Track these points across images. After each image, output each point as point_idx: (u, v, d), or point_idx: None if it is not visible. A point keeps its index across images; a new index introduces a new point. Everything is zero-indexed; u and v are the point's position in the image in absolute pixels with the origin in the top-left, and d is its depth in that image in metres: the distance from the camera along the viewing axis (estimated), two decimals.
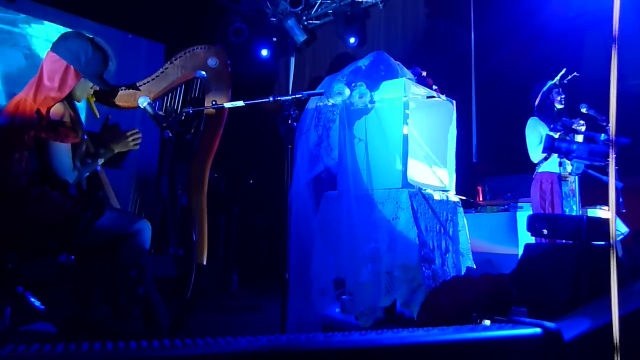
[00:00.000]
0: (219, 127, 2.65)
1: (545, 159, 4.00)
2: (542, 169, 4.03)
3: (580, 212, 3.52)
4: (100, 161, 2.37)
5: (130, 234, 2.22)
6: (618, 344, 0.79)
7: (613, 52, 0.97)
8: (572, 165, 3.23)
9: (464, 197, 4.05)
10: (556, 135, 3.59)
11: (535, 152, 4.06)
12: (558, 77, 4.06)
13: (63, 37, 2.27)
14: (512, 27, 5.19)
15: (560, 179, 3.85)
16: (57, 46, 2.23)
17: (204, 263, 2.57)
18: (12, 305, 2.16)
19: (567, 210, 3.80)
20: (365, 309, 3.20)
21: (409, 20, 6.49)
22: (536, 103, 4.16)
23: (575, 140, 3.71)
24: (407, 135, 3.46)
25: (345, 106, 3.60)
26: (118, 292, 2.15)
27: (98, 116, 2.45)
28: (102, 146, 2.38)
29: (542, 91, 4.12)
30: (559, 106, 4.10)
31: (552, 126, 3.78)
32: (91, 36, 2.31)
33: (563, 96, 4.09)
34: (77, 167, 2.24)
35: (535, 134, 4.04)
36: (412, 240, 3.19)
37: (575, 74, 4.01)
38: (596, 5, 4.60)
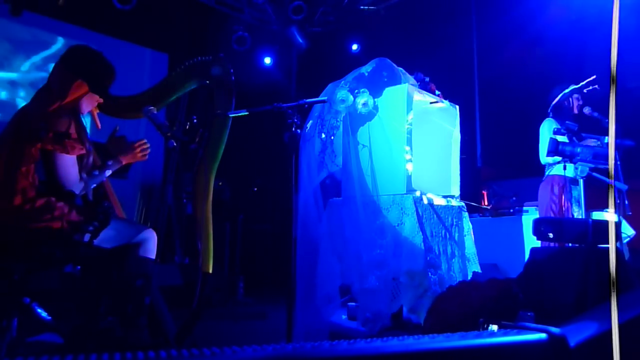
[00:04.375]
0: (223, 136, 2.66)
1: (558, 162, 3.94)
2: (554, 171, 3.97)
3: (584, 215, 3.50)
4: (108, 172, 2.38)
5: (136, 243, 2.23)
6: (618, 349, 0.79)
7: (613, 52, 0.97)
8: (576, 168, 3.22)
9: (469, 202, 4.04)
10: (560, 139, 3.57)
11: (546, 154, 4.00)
12: (582, 84, 4.00)
13: (70, 50, 2.30)
14: (513, 30, 5.20)
15: (572, 182, 3.81)
16: (65, 59, 2.25)
17: (210, 271, 2.57)
18: (19, 316, 2.17)
19: (575, 214, 3.77)
20: (371, 316, 3.19)
21: (410, 26, 6.50)
22: (553, 103, 4.11)
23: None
24: (411, 141, 3.47)
25: (349, 113, 3.60)
26: (124, 301, 2.16)
27: (100, 127, 2.46)
28: (110, 158, 2.39)
29: (562, 93, 4.06)
30: (575, 112, 4.05)
31: (555, 129, 3.76)
32: (98, 50, 2.34)
33: (581, 103, 4.05)
34: (83, 178, 2.25)
35: (550, 134, 3.99)
36: (417, 245, 3.18)
37: (596, 86, 3.95)
38: (597, 9, 4.61)
